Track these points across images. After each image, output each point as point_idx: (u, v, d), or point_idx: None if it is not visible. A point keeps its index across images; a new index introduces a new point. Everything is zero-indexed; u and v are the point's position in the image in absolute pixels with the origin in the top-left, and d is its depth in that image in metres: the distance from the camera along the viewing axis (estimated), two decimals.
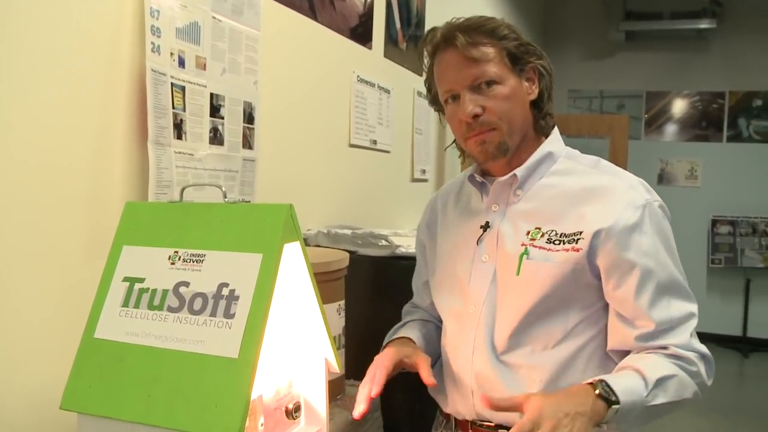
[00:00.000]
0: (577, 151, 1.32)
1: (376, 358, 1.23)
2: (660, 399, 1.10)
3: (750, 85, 6.12)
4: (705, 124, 6.26)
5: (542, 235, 1.21)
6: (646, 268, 1.15)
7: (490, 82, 1.21)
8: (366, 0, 2.40)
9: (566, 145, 1.33)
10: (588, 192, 1.21)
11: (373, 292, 1.78)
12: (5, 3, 1.07)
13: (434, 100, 1.36)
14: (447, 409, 1.33)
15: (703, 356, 1.18)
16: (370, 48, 2.47)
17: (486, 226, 1.27)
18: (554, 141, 1.30)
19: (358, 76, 2.38)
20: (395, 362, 1.22)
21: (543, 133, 1.30)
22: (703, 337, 1.22)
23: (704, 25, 5.85)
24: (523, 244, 1.21)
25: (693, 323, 1.19)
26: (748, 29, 6.04)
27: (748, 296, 6.20)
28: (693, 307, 1.21)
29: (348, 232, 1.94)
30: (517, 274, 1.20)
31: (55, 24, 1.17)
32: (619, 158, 5.51)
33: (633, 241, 1.15)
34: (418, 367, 1.22)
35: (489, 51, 1.22)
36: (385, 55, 2.62)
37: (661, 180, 6.41)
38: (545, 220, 1.22)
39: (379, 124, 2.59)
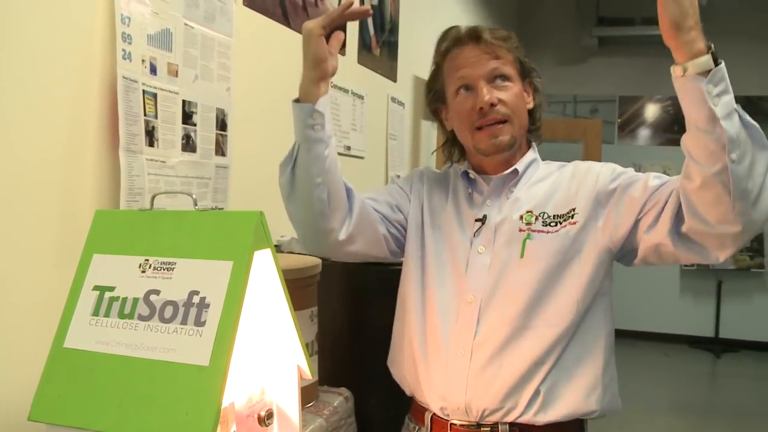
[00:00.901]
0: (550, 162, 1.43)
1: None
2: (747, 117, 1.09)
3: None
4: (677, 128, 6.36)
5: (536, 219, 1.28)
6: (636, 175, 1.27)
7: (505, 77, 1.31)
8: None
9: (540, 149, 1.43)
10: (571, 177, 1.32)
11: (346, 299, 1.79)
12: None
13: (435, 99, 1.41)
14: (426, 399, 1.31)
15: None
16: (343, 54, 2.47)
17: (483, 219, 1.32)
18: (536, 151, 1.42)
19: (331, 82, 2.38)
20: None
21: (532, 141, 1.42)
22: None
23: None
24: (521, 230, 1.28)
25: None
26: (718, 34, 6.10)
27: (720, 298, 6.30)
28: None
29: None
30: (521, 256, 1.26)
31: (24, 31, 1.16)
32: None
33: (619, 177, 1.27)
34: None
35: (506, 53, 1.32)
36: (359, 62, 2.63)
37: None
38: (535, 205, 1.30)
39: (353, 130, 2.60)
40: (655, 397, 4.86)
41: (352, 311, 1.60)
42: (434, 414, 1.32)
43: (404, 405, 1.41)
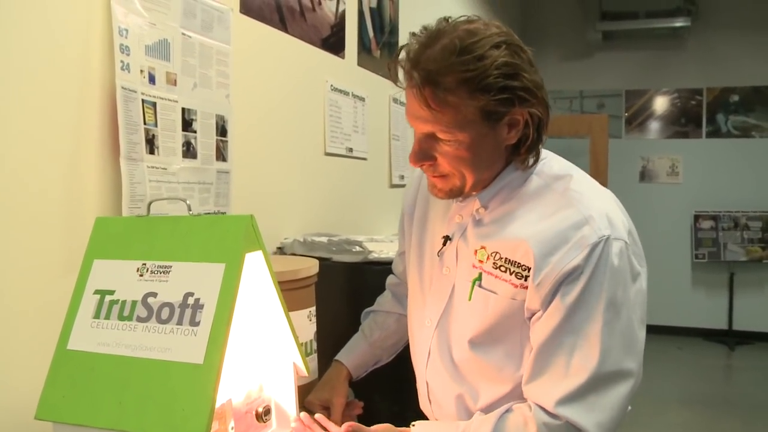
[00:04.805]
0: (550, 163, 1.19)
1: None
2: None
3: (726, 81, 6.21)
4: (684, 121, 6.35)
5: (488, 258, 1.14)
6: (555, 327, 1.05)
7: (444, 140, 1.09)
8: (337, 10, 2.45)
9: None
10: (540, 223, 1.09)
11: (347, 298, 1.82)
12: None
13: None
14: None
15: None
16: (343, 57, 2.51)
17: (446, 239, 1.23)
18: (517, 168, 1.17)
19: (331, 85, 2.42)
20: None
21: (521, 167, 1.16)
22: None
23: (679, 23, 5.92)
24: (474, 266, 1.16)
25: (582, 386, 1.04)
26: (722, 26, 6.13)
27: (733, 290, 6.27)
28: (593, 366, 1.04)
29: (324, 239, 1.98)
30: (469, 299, 1.16)
31: (23, 45, 1.21)
32: (599, 157, 5.59)
33: (563, 289, 1.05)
34: (331, 414, 1.34)
35: (453, 102, 1.03)
36: (359, 64, 2.66)
37: (643, 177, 6.49)
38: (491, 241, 1.14)
39: (355, 132, 2.64)
40: (668, 391, 4.86)
41: (354, 310, 1.62)
42: None
43: (408, 401, 1.44)
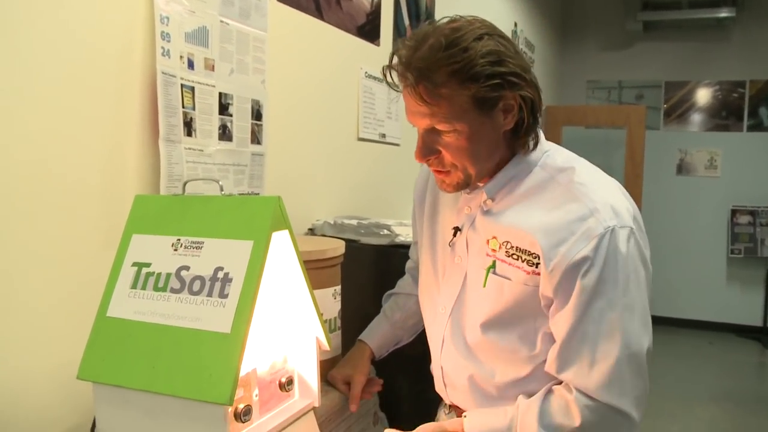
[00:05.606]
0: (554, 155, 1.22)
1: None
2: None
3: None
4: (725, 114, 6.25)
5: (500, 246, 1.18)
6: (576, 318, 1.10)
7: (443, 131, 1.13)
8: None
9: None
10: (546, 216, 1.14)
11: (374, 279, 1.88)
12: (31, 19, 1.19)
13: None
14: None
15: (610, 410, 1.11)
16: (378, 44, 2.56)
17: (457, 230, 1.28)
18: (528, 155, 1.21)
19: (365, 72, 2.48)
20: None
21: (522, 150, 1.20)
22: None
23: (724, 13, 5.82)
24: (488, 255, 1.20)
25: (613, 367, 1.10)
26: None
27: None
28: (618, 350, 1.09)
29: (354, 222, 2.04)
30: (484, 285, 1.21)
31: (73, 34, 1.28)
32: (636, 149, 5.54)
33: (576, 282, 1.09)
34: (351, 389, 1.43)
35: (447, 93, 1.08)
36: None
37: (680, 170, 6.42)
38: (501, 230, 1.19)
39: (388, 118, 2.69)
40: (697, 386, 4.83)
41: (379, 291, 1.68)
42: None
43: (430, 380, 1.49)
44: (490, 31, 1.11)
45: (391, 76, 1.15)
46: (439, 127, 1.13)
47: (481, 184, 1.22)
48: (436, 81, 1.07)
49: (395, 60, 1.13)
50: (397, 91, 1.16)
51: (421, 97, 1.09)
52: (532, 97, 1.13)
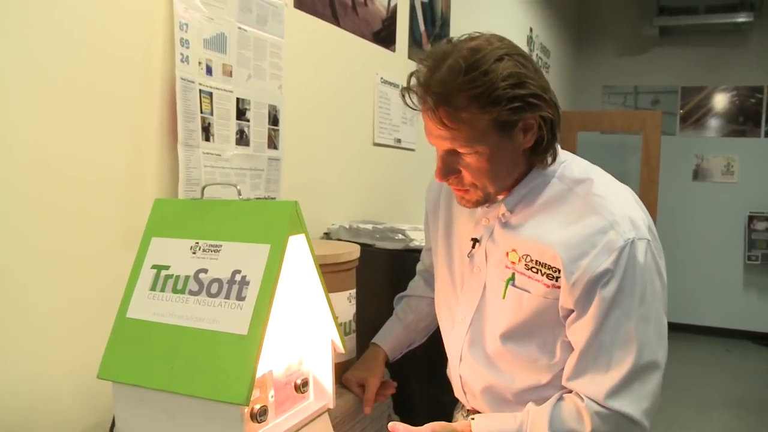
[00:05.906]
0: (571, 166, 1.23)
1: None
2: None
3: None
4: (742, 119, 6.21)
5: (519, 260, 1.19)
6: (594, 328, 1.11)
7: (463, 153, 1.14)
8: (389, 4, 2.51)
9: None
10: (566, 229, 1.15)
11: (389, 283, 1.89)
12: (58, 29, 1.22)
13: None
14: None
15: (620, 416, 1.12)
16: (393, 50, 2.58)
17: (475, 241, 1.28)
18: (546, 169, 1.21)
19: (381, 77, 2.49)
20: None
21: (540, 165, 1.21)
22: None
23: (741, 18, 5.79)
24: (507, 267, 1.22)
25: (628, 377, 1.11)
26: None
27: None
28: (632, 360, 1.10)
29: (369, 226, 2.06)
30: (503, 297, 1.22)
31: (94, 41, 1.31)
32: (651, 154, 5.52)
33: (596, 293, 1.10)
34: (366, 391, 1.45)
35: (467, 118, 1.08)
36: (410, 57, 2.72)
37: (696, 176, 6.38)
38: (521, 244, 1.20)
39: (404, 123, 2.70)
40: (712, 393, 4.80)
41: (393, 294, 1.69)
42: None
43: (444, 384, 1.50)
44: (510, 51, 1.10)
45: (410, 98, 1.15)
46: (460, 149, 1.14)
47: (500, 197, 1.23)
48: (456, 105, 1.07)
49: (413, 81, 1.13)
50: (416, 110, 1.16)
51: (441, 121, 1.09)
52: (551, 117, 1.14)
